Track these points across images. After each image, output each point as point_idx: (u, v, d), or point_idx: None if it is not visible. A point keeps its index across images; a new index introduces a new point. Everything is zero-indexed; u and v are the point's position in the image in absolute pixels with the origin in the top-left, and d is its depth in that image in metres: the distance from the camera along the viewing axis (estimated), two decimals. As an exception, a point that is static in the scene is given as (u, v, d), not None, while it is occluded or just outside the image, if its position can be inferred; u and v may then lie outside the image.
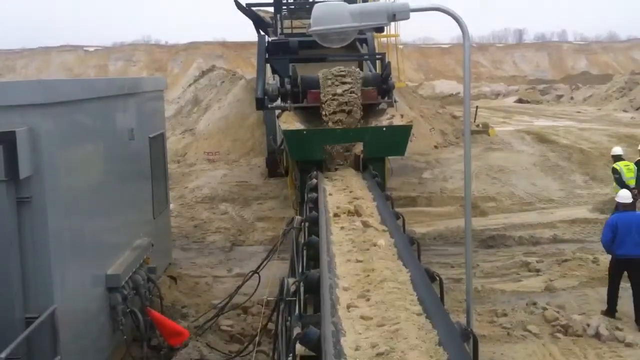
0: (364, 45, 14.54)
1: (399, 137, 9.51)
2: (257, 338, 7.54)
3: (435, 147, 25.08)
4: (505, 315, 9.41)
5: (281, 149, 14.76)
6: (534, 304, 9.66)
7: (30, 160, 6.20)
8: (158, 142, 11.07)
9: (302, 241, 5.87)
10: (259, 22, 18.70)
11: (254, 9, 18.83)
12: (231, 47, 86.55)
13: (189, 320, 9.45)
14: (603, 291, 9.85)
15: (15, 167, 6.05)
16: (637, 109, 38.63)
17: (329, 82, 9.85)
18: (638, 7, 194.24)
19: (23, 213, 6.27)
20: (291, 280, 4.96)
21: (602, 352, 8.35)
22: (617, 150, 14.83)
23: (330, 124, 9.67)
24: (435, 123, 27.65)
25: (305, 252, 5.50)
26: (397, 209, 6.98)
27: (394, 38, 18.69)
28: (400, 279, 4.53)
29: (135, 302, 8.38)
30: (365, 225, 6.04)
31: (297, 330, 3.98)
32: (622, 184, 13.20)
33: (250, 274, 8.99)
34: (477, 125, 28.73)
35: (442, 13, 4.89)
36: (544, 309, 9.42)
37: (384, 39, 18.06)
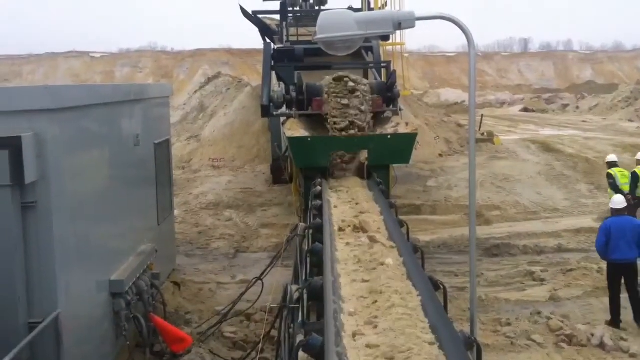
0: (370, 53, 14.56)
1: (404, 145, 9.51)
2: (260, 345, 7.54)
3: (440, 155, 25.04)
4: (509, 324, 9.37)
5: (286, 156, 14.77)
6: (538, 313, 9.61)
7: (36, 166, 6.22)
8: (163, 149, 11.09)
9: (306, 248, 5.86)
10: (265, 30, 18.79)
11: (260, 16, 18.91)
12: (237, 54, 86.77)
13: (192, 326, 9.44)
14: (607, 301, 9.81)
15: (20, 172, 6.06)
16: (643, 119, 38.53)
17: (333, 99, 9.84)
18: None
19: (28, 218, 6.28)
20: (294, 287, 4.95)
21: (607, 363, 8.31)
22: (612, 157, 15.24)
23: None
24: (440, 131, 27.62)
25: (309, 259, 5.49)
26: (402, 217, 6.98)
27: (399, 46, 18.67)
28: (410, 304, 4.16)
29: (139, 308, 8.37)
30: (372, 241, 5.72)
31: (300, 338, 3.98)
32: (616, 189, 13.62)
33: (253, 280, 8.99)
34: (482, 134, 28.66)
35: (447, 22, 4.91)
36: (549, 318, 9.37)
37: (389, 47, 18.06)
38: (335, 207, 7.37)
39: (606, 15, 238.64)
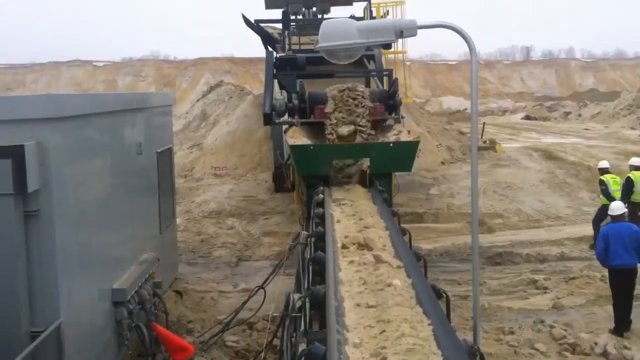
0: (372, 61, 14.59)
1: (406, 152, 9.51)
2: (262, 354, 7.52)
3: (442, 163, 25.05)
4: (512, 333, 9.32)
5: (288, 164, 14.79)
6: (541, 321, 9.58)
7: (39, 174, 6.22)
8: (166, 157, 11.10)
9: (308, 256, 5.84)
10: (267, 38, 18.82)
11: (262, 25, 18.96)
12: (239, 62, 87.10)
13: (194, 335, 9.42)
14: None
15: (23, 181, 6.07)
16: (644, 127, 38.54)
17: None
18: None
19: (30, 226, 6.28)
20: (297, 295, 4.91)
21: (610, 371, 8.27)
22: (604, 163, 15.27)
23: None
24: (443, 139, 27.66)
25: (311, 267, 5.47)
26: (404, 225, 6.96)
27: (401, 54, 18.71)
28: (421, 334, 3.82)
29: (141, 317, 8.35)
30: (378, 260, 5.37)
31: (302, 347, 3.96)
32: (608, 196, 13.70)
33: (256, 289, 8.97)
34: (485, 142, 28.70)
35: (449, 30, 4.92)
36: (552, 327, 9.33)
37: (391, 56, 18.09)
38: (339, 221, 7.09)
39: (608, 23, 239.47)
